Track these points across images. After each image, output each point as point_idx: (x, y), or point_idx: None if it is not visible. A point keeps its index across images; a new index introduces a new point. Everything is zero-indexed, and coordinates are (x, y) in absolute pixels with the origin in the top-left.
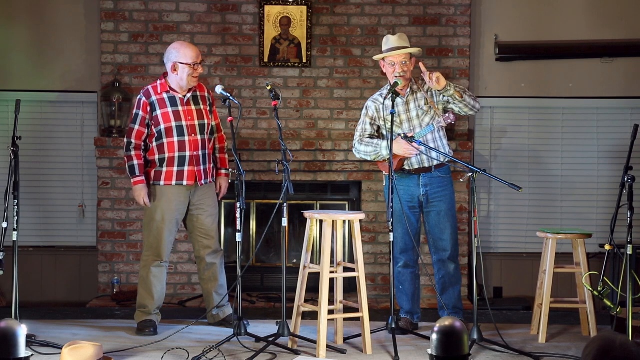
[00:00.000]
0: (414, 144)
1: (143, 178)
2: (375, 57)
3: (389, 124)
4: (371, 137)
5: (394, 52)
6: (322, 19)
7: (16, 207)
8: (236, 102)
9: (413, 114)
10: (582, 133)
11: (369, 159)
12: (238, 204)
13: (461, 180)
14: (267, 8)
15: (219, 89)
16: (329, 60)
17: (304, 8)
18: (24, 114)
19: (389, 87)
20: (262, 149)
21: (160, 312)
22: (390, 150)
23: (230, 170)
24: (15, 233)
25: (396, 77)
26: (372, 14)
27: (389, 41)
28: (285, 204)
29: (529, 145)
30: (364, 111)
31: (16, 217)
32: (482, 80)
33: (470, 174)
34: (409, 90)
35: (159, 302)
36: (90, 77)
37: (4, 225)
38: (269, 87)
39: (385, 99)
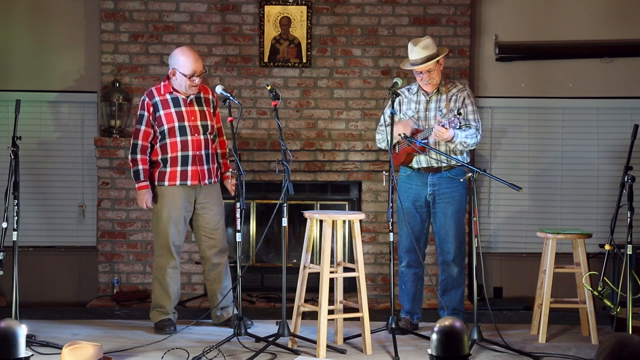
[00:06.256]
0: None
1: (147, 183)
2: (402, 67)
3: (408, 116)
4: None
5: (417, 67)
6: (322, 19)
7: (16, 207)
8: (236, 102)
9: (431, 114)
10: (582, 133)
11: (382, 146)
12: (238, 204)
13: (461, 180)
14: (267, 8)
15: (219, 89)
16: (329, 60)
17: (304, 8)
18: (24, 114)
19: (417, 84)
20: (262, 149)
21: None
22: (390, 149)
23: (231, 171)
24: (15, 233)
25: (425, 84)
26: (372, 14)
27: (413, 52)
28: (285, 204)
29: (529, 145)
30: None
31: (16, 217)
32: (482, 80)
33: (470, 174)
34: (435, 90)
35: (175, 301)
36: (90, 77)
37: (4, 225)
38: (269, 87)
39: (384, 99)
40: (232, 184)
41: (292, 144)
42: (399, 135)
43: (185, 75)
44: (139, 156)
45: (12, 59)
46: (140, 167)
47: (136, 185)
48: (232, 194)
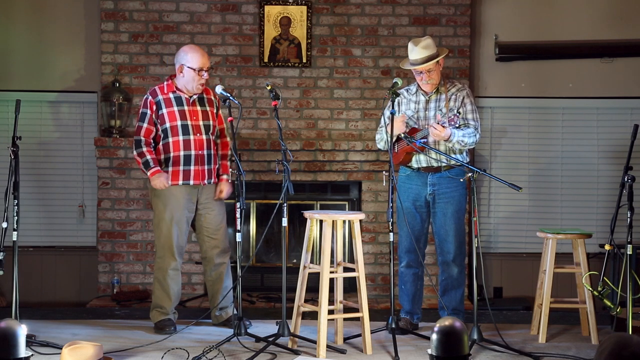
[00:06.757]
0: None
1: (159, 168)
2: (402, 66)
3: (407, 116)
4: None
5: (417, 67)
6: (322, 19)
7: (16, 207)
8: (236, 102)
9: (431, 113)
10: (582, 133)
11: (381, 146)
12: (238, 204)
13: (461, 180)
14: (267, 8)
15: (219, 89)
16: (329, 60)
17: (304, 8)
18: (24, 114)
19: (416, 85)
20: (262, 149)
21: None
22: (390, 149)
23: (231, 170)
24: (15, 233)
25: (424, 83)
26: (372, 14)
27: (413, 52)
28: (285, 204)
29: (529, 145)
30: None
31: (16, 217)
32: (482, 80)
33: (470, 174)
34: (434, 90)
35: (175, 302)
36: (90, 77)
37: (4, 225)
38: (269, 87)
39: (384, 99)
40: (221, 190)
41: (292, 144)
42: (400, 135)
43: (194, 70)
44: (144, 148)
45: (12, 59)
46: (149, 157)
47: (148, 173)
48: (215, 197)
